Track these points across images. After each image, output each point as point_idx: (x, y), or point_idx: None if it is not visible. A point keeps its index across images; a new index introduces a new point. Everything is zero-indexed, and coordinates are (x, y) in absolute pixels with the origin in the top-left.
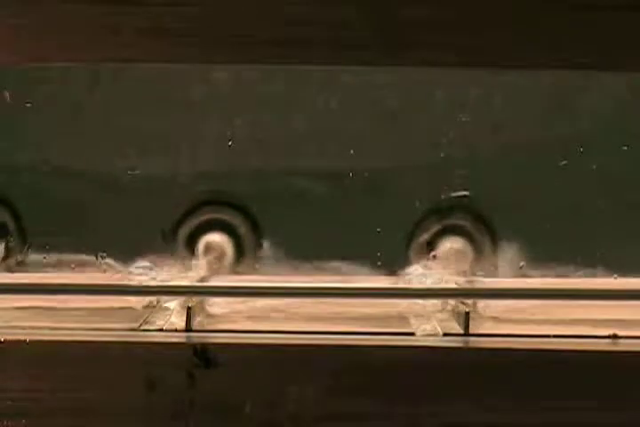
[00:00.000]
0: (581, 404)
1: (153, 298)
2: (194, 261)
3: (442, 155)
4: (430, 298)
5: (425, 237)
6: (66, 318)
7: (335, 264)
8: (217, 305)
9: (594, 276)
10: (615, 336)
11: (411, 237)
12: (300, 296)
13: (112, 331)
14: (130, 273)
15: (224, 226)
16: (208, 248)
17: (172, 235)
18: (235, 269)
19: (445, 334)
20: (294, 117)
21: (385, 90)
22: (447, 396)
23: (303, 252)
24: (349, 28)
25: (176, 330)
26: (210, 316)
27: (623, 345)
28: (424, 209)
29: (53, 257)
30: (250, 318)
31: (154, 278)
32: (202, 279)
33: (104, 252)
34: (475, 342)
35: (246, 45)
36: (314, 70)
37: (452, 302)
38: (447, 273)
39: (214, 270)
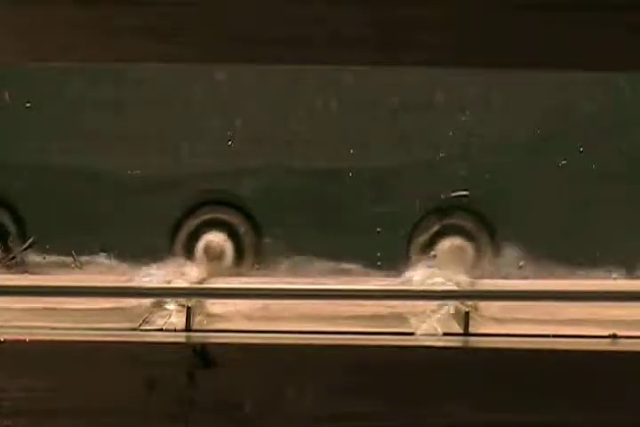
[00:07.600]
0: (581, 403)
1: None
2: (194, 262)
3: (442, 154)
4: (430, 299)
5: (425, 236)
6: (66, 318)
7: (335, 264)
8: (216, 305)
9: (594, 276)
10: (615, 336)
11: (411, 237)
12: (299, 297)
13: (112, 331)
14: (130, 274)
15: (224, 226)
16: (208, 248)
17: (171, 235)
18: (235, 270)
19: (445, 334)
20: (294, 117)
21: (385, 90)
22: (447, 396)
23: (303, 252)
24: (349, 28)
25: (175, 330)
26: (209, 315)
27: (623, 345)
28: (424, 209)
29: (53, 258)
30: (249, 317)
31: (154, 279)
32: (202, 280)
33: (104, 252)
34: (475, 341)
35: (246, 45)
36: (314, 70)
37: (452, 302)
38: (447, 273)
39: (214, 271)
